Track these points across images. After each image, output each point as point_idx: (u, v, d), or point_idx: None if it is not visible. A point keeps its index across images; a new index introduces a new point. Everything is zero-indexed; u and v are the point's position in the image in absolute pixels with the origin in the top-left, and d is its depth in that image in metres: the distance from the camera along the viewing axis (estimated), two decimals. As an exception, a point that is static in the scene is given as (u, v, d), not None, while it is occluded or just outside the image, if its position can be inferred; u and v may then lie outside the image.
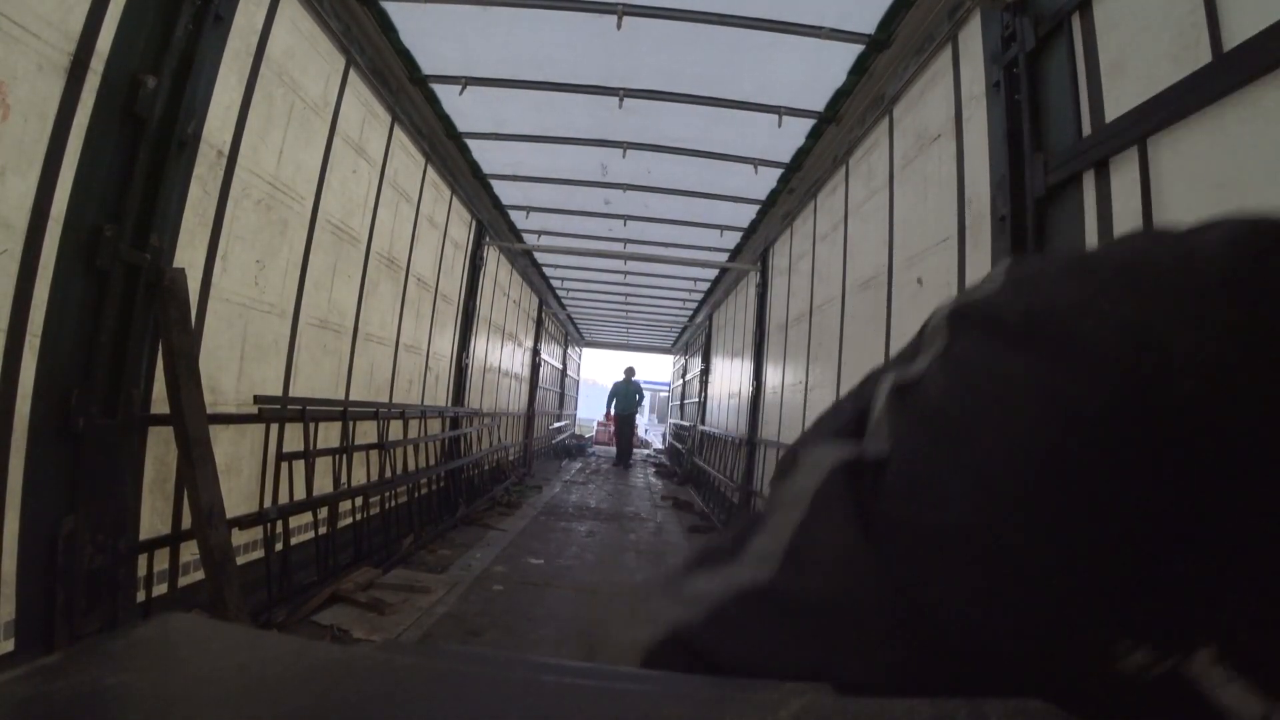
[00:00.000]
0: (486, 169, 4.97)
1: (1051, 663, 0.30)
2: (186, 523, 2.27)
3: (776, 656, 0.32)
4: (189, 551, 2.30)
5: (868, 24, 2.87)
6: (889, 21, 2.82)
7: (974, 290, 0.36)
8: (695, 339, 12.26)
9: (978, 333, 0.36)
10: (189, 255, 2.27)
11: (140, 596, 2.17)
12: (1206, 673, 0.30)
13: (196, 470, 2.19)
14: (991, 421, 0.33)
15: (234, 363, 2.63)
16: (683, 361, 15.00)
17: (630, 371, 12.51)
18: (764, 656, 0.32)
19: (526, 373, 9.85)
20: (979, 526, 0.31)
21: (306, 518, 3.14)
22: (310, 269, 3.09)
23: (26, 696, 0.21)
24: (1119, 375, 0.30)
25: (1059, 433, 0.31)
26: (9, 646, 1.75)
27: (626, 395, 12.22)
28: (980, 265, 2.31)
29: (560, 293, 10.22)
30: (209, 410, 2.29)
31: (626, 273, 8.09)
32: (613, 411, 12.58)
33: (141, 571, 2.17)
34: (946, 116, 2.69)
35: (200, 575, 2.28)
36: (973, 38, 2.46)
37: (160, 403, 2.16)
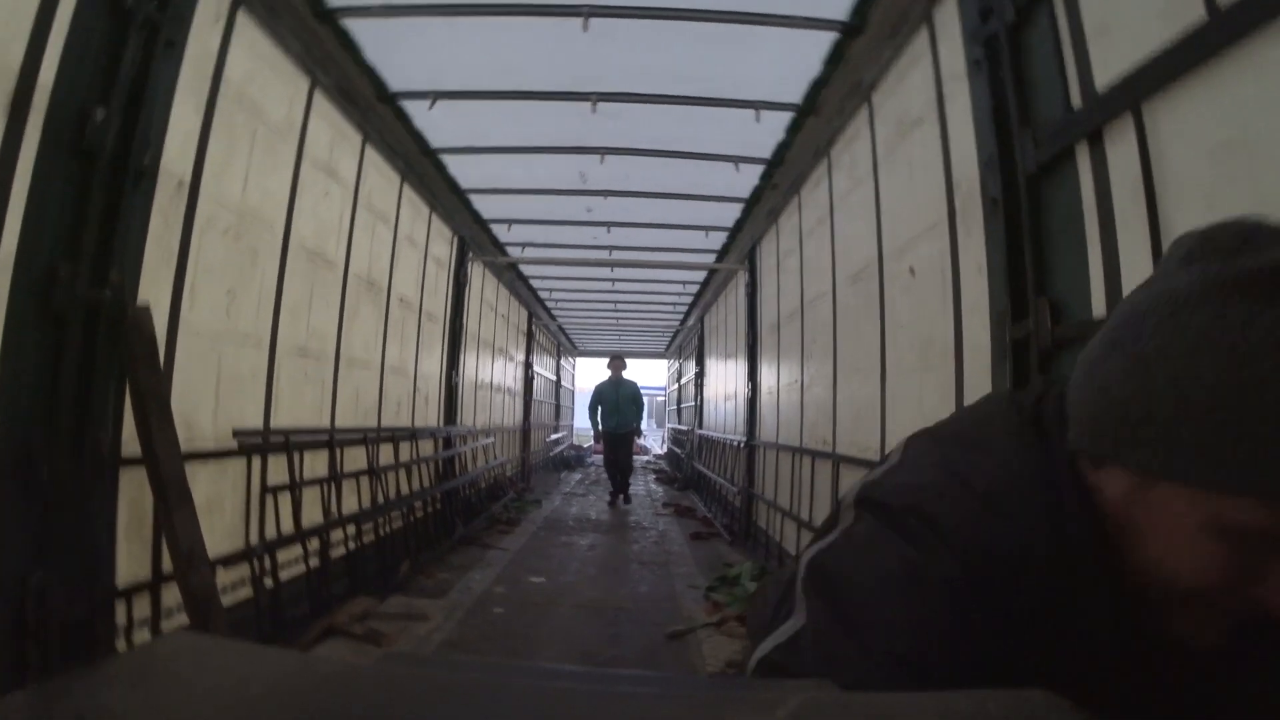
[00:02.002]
0: (464, 184, 4.91)
1: None
2: (167, 565, 2.18)
3: None
4: (171, 595, 2.21)
5: (840, 10, 2.81)
6: (862, 6, 2.76)
7: (875, 473, 0.58)
8: (688, 342, 12.19)
9: (874, 517, 0.53)
10: (154, 290, 2.18)
11: (121, 645, 2.07)
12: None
13: (173, 511, 2.10)
14: (876, 595, 0.49)
15: (209, 398, 2.54)
16: (677, 366, 14.95)
17: (619, 365, 8.41)
18: None
19: (520, 387, 9.77)
20: (867, 685, 0.43)
21: (296, 551, 3.05)
22: (285, 297, 3.01)
23: (30, 716, 0.21)
24: (962, 560, 0.49)
25: (926, 598, 0.48)
26: None
27: (615, 403, 8.22)
28: (974, 249, 2.25)
29: (549, 304, 10.16)
30: (185, 448, 2.21)
31: (614, 280, 8.03)
32: (596, 429, 8.48)
33: (121, 619, 2.08)
34: (927, 99, 2.63)
35: (184, 619, 2.19)
36: (949, 15, 2.40)
37: (132, 443, 2.08)
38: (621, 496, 8.18)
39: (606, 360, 8.69)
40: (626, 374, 8.53)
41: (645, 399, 9.27)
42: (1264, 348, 0.42)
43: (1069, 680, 0.46)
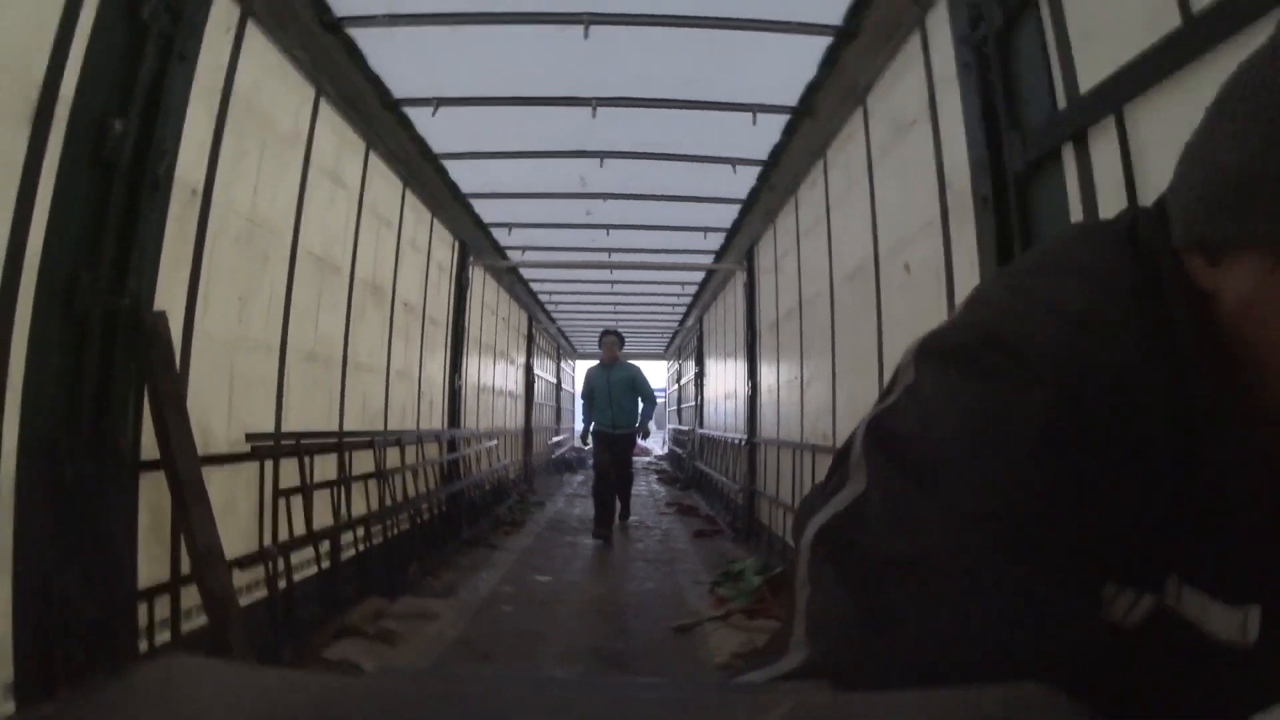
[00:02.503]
0: (465, 189, 4.96)
1: (1046, 647, 0.35)
2: (186, 567, 2.23)
3: None
4: (190, 596, 2.26)
5: (835, 15, 2.87)
6: (856, 11, 2.82)
7: (938, 328, 0.47)
8: (687, 343, 12.25)
9: (939, 365, 0.43)
10: (169, 296, 2.24)
11: (143, 645, 2.12)
12: (1182, 599, 0.40)
13: (191, 513, 2.16)
14: (955, 445, 0.40)
15: (223, 402, 2.60)
16: (676, 366, 15.00)
17: (612, 343, 6.36)
18: None
19: (521, 390, 9.82)
20: (950, 549, 0.37)
21: (309, 553, 3.10)
22: (294, 302, 3.06)
23: None
24: (1055, 393, 0.39)
25: (1014, 444, 0.38)
26: (9, 708, 1.70)
27: (608, 393, 6.17)
28: (966, 246, 2.31)
29: (549, 307, 10.20)
30: (201, 452, 2.26)
31: (613, 282, 8.08)
32: (586, 425, 6.53)
33: (142, 620, 2.13)
34: (920, 101, 2.70)
35: (203, 620, 2.24)
36: (940, 20, 2.46)
37: (151, 448, 2.13)
38: (615, 523, 6.06)
39: (601, 337, 6.42)
40: (621, 354, 6.40)
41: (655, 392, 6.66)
42: None
43: (1188, 549, 0.41)
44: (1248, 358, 0.40)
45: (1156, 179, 1.50)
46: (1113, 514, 0.39)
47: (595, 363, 6.40)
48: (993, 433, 0.39)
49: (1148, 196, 1.52)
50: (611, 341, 6.35)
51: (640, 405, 6.27)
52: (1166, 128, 1.47)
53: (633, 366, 6.36)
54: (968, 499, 0.38)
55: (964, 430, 0.40)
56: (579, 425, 7.23)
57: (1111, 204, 1.63)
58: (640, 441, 6.81)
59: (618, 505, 6.25)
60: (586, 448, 7.49)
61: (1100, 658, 0.38)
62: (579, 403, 6.80)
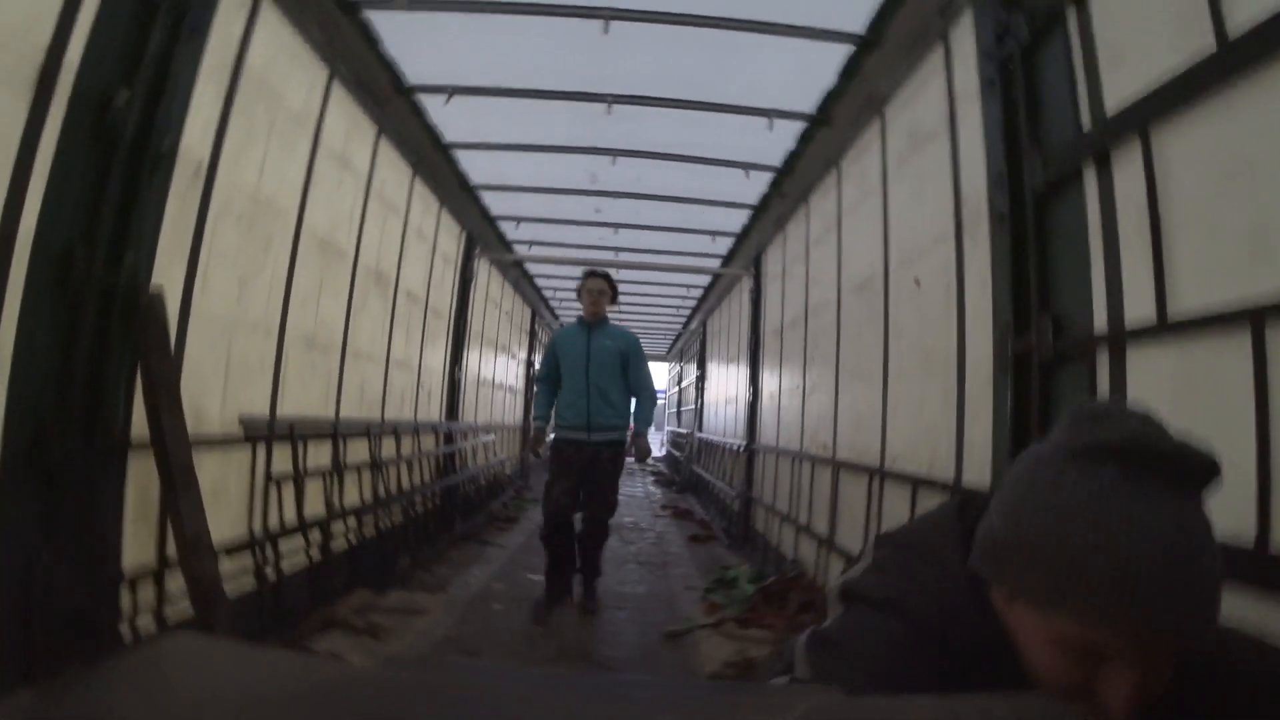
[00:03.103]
0: (475, 180, 4.93)
1: None
2: (172, 552, 2.19)
3: None
4: (175, 582, 2.23)
5: (857, 24, 2.83)
6: (879, 21, 2.78)
7: (853, 571, 0.78)
8: (690, 346, 12.22)
9: (859, 606, 0.72)
10: (168, 274, 2.20)
11: (125, 631, 2.09)
12: None
13: (180, 497, 2.12)
14: (862, 653, 0.66)
15: (218, 384, 2.56)
16: (678, 369, 14.96)
17: (603, 289, 3.87)
18: None
19: (521, 385, 9.79)
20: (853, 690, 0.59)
21: (298, 541, 3.07)
22: (295, 286, 3.03)
23: (29, 719, 0.21)
24: (921, 633, 0.67)
25: (898, 658, 0.65)
26: None
27: (586, 371, 3.77)
28: (979, 263, 2.27)
29: (553, 303, 10.17)
30: (192, 434, 2.22)
31: (619, 280, 8.03)
32: (539, 423, 4.08)
33: (126, 605, 2.10)
34: (940, 115, 2.66)
35: (188, 606, 2.20)
36: (964, 34, 2.42)
37: (141, 428, 2.09)
38: (579, 598, 3.74)
39: (583, 281, 3.95)
40: (607, 304, 3.88)
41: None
42: (1078, 506, 0.58)
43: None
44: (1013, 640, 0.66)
45: (1179, 204, 1.46)
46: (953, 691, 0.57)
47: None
48: (892, 645, 0.67)
49: (1170, 222, 1.48)
50: (598, 288, 3.78)
51: (633, 394, 3.84)
52: (1194, 152, 1.42)
53: (628, 334, 3.90)
54: (870, 675, 0.63)
55: (875, 640, 0.68)
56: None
57: (1133, 227, 1.58)
58: (631, 460, 4.28)
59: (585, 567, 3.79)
60: (537, 460, 4.53)
61: None
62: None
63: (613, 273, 6.66)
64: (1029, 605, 0.62)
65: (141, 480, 2.14)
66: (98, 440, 1.94)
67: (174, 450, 2.11)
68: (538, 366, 4.37)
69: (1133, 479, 0.57)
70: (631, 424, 3.83)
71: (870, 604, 0.71)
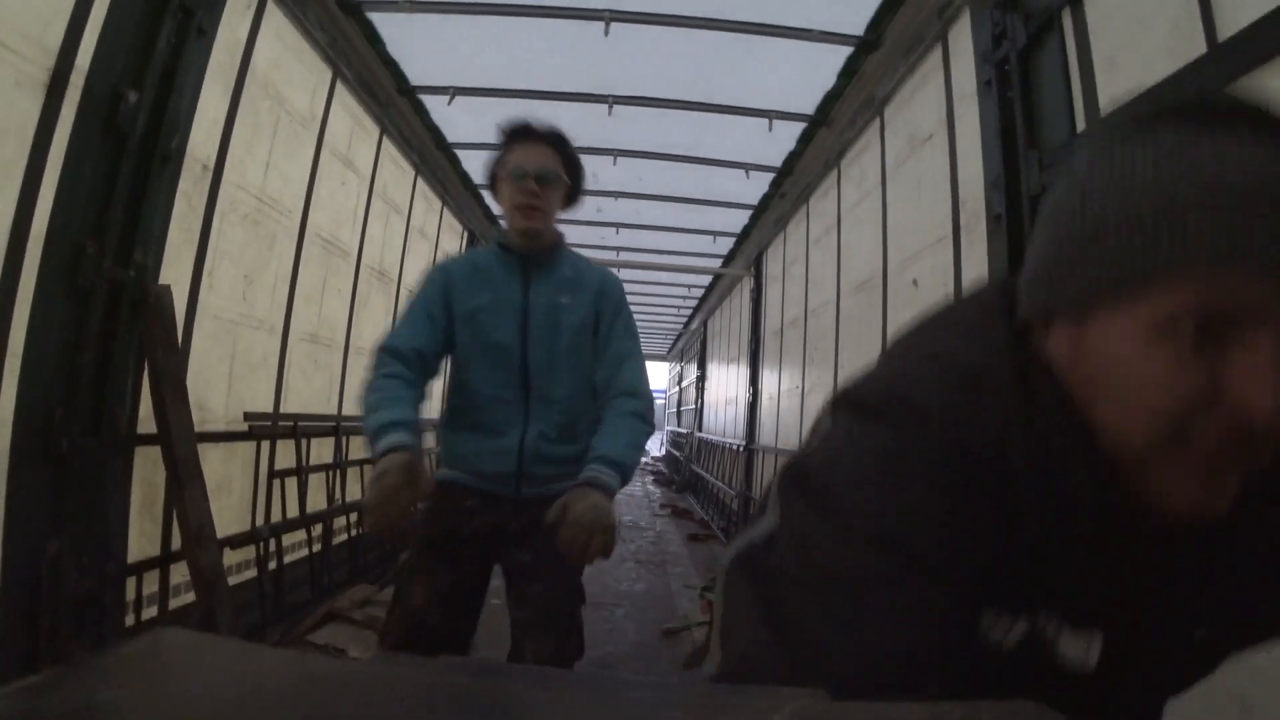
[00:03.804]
0: (478, 179, 4.95)
1: (931, 659, 0.40)
2: (176, 544, 2.22)
3: None
4: (179, 573, 2.26)
5: (856, 25, 2.86)
6: (878, 22, 2.81)
7: (852, 383, 0.54)
8: (690, 346, 12.24)
9: (849, 414, 0.50)
10: (175, 271, 2.23)
11: (129, 620, 2.12)
12: (1046, 625, 0.46)
13: (185, 490, 2.15)
14: (853, 480, 0.45)
15: (223, 380, 2.59)
16: (678, 369, 14.99)
17: (548, 164, 1.56)
18: None
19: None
20: (844, 569, 0.42)
21: (300, 535, 3.09)
22: (300, 283, 3.06)
23: (17, 713, 0.21)
24: (943, 441, 0.45)
25: (905, 480, 0.44)
26: None
27: (523, 348, 1.52)
28: (977, 264, 2.29)
29: (554, 302, 10.18)
30: (198, 429, 2.25)
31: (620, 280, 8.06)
32: (387, 434, 1.32)
33: (130, 595, 2.13)
34: (938, 116, 2.68)
35: (191, 597, 2.23)
36: (962, 36, 2.45)
37: (147, 422, 2.12)
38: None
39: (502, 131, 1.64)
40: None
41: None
42: (1146, 163, 0.41)
43: (1057, 569, 0.46)
44: (1086, 412, 0.45)
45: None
46: (986, 544, 0.44)
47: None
48: (891, 471, 0.45)
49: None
50: (541, 168, 1.57)
51: (611, 405, 1.56)
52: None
53: (605, 278, 1.68)
54: (861, 525, 0.43)
55: (862, 467, 0.46)
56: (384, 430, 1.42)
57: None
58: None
59: None
60: (407, 523, 1.44)
61: (980, 676, 0.43)
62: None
63: (613, 272, 6.52)
64: (1112, 306, 0.43)
65: (146, 471, 2.17)
66: (105, 433, 1.97)
67: (179, 444, 2.14)
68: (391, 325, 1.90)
69: (1207, 126, 0.41)
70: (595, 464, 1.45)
71: (869, 407, 0.49)
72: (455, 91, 3.59)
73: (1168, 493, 0.43)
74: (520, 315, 1.54)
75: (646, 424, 1.52)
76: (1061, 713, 0.41)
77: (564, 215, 1.65)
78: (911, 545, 0.42)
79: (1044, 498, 0.44)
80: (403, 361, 1.48)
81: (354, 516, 3.64)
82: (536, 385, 1.53)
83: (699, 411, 10.41)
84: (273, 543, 2.82)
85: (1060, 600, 0.47)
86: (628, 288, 4.93)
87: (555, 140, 1.63)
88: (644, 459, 13.75)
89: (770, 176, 4.49)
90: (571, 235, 5.71)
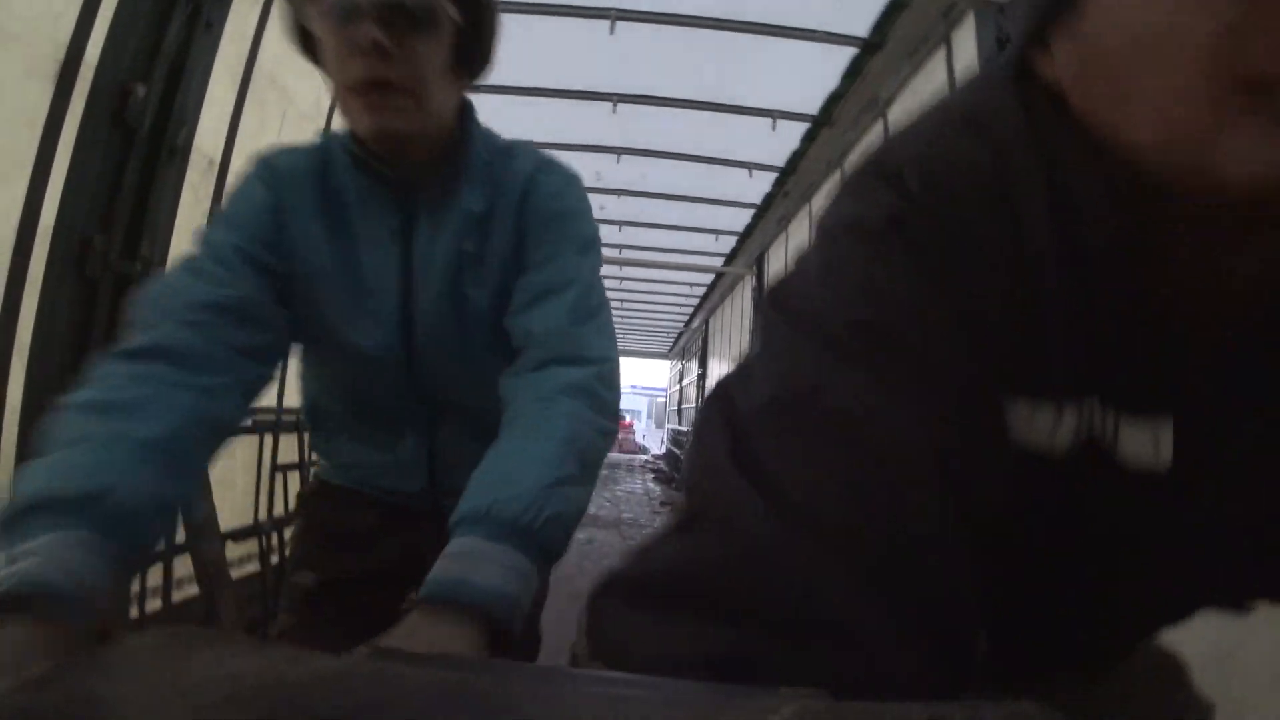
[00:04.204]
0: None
1: (933, 472, 0.32)
2: (180, 536, 2.23)
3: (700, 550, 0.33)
4: (183, 566, 2.27)
5: (861, 27, 2.87)
6: (882, 24, 2.82)
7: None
8: (692, 344, 12.26)
9: (823, 234, 0.40)
10: (181, 264, 2.24)
11: (133, 612, 2.13)
12: (1099, 418, 0.37)
13: (189, 482, 2.16)
14: (817, 269, 0.38)
15: (227, 373, 2.60)
16: (680, 367, 15.01)
17: (412, 16, 0.72)
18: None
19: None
20: (819, 380, 0.34)
21: (302, 529, 3.10)
22: (304, 278, 3.06)
23: (20, 708, 0.21)
24: (903, 190, 0.37)
25: (867, 248, 0.36)
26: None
27: (382, 332, 0.84)
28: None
29: (556, 300, 10.20)
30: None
31: (622, 278, 8.08)
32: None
33: (134, 588, 2.14)
34: (942, 118, 2.69)
35: (195, 590, 2.24)
36: (966, 38, 2.46)
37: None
38: None
39: None
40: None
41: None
42: None
43: (1095, 338, 0.36)
44: (1100, 137, 0.34)
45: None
46: (995, 313, 0.36)
47: None
48: (845, 242, 0.37)
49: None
50: None
51: (530, 382, 0.76)
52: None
53: (537, 168, 0.89)
54: (829, 318, 0.35)
55: (822, 250, 0.38)
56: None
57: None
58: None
59: None
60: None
61: (1026, 494, 0.35)
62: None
63: (616, 270, 6.20)
64: None
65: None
66: (111, 425, 1.98)
67: (184, 437, 2.15)
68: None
69: None
70: (465, 535, 0.64)
71: (843, 194, 0.40)
72: (460, 88, 3.59)
73: (1240, 160, 0.30)
74: (398, 297, 0.83)
75: (601, 417, 0.76)
76: (1143, 530, 0.37)
77: (465, 91, 0.89)
78: (890, 335, 0.34)
79: (1061, 243, 0.36)
80: (165, 358, 0.71)
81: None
82: (437, 396, 0.89)
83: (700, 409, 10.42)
84: (275, 536, 2.83)
85: (1107, 380, 0.37)
86: (629, 285, 6.05)
87: None
88: (644, 457, 13.68)
89: (773, 176, 4.50)
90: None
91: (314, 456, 1.12)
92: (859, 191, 0.39)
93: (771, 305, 0.38)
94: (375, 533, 0.95)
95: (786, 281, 0.39)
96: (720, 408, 0.36)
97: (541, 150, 0.95)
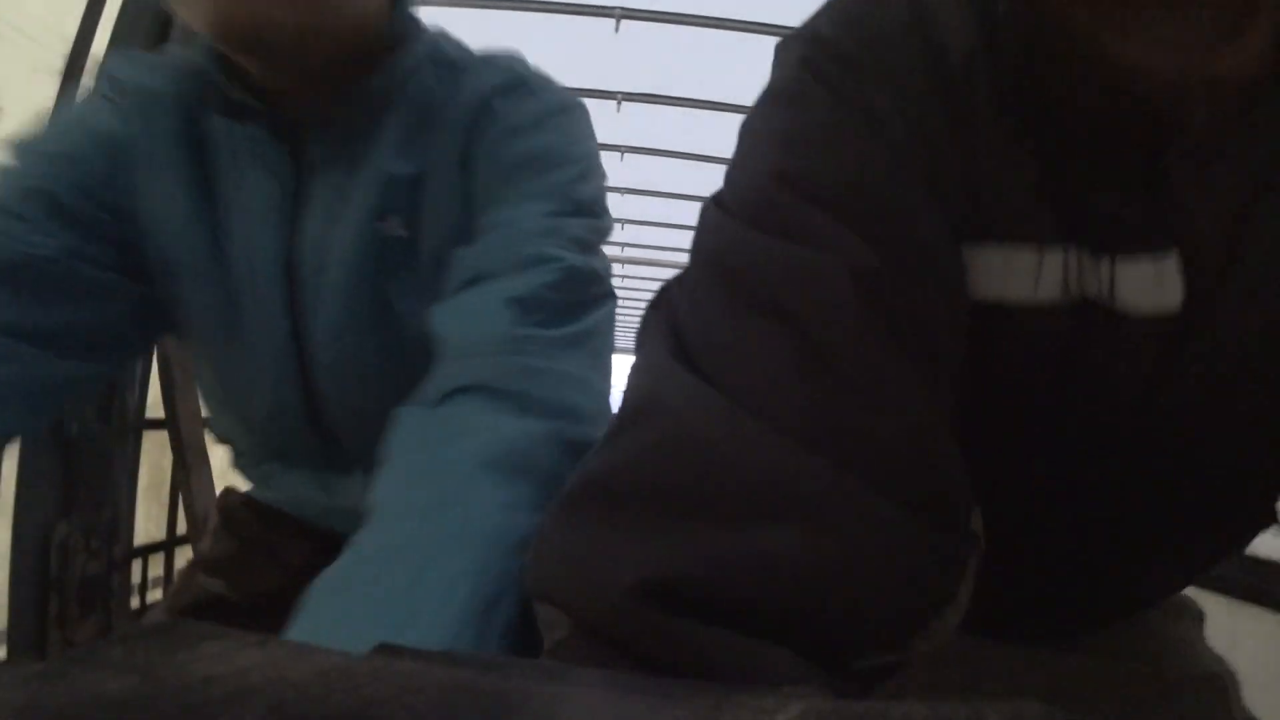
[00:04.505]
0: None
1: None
2: (182, 528, 2.25)
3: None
4: (184, 557, 2.28)
5: (866, 27, 2.87)
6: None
7: None
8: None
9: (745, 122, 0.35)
10: (185, 259, 2.25)
11: (135, 603, 2.14)
12: (1086, 263, 0.31)
13: (191, 475, 2.17)
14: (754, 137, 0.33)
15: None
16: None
17: None
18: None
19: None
20: (735, 245, 0.29)
21: (303, 524, 3.12)
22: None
23: (22, 703, 0.20)
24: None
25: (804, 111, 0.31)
26: (0, 654, 1.73)
27: (266, 325, 0.55)
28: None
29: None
30: (206, 416, 2.27)
31: (624, 277, 8.08)
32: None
33: (136, 578, 2.15)
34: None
35: (196, 582, 2.26)
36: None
37: (156, 408, 2.14)
38: None
39: None
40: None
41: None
42: None
43: (1070, 183, 0.30)
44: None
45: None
46: (932, 143, 0.30)
47: None
48: (760, 112, 0.33)
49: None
50: None
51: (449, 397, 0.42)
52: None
53: (490, 80, 0.56)
54: (747, 186, 0.31)
55: (743, 134, 0.34)
56: None
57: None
58: None
59: None
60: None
61: (1008, 355, 0.31)
62: None
63: (619, 269, 5.90)
64: None
65: (155, 457, 2.20)
66: (115, 419, 1.99)
67: (187, 429, 2.17)
68: None
69: None
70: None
71: (773, 66, 0.35)
72: (465, 85, 3.60)
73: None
74: (282, 305, 0.55)
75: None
76: (1153, 391, 0.32)
77: None
78: (817, 177, 0.29)
79: (994, 39, 0.30)
80: None
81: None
82: (361, 448, 0.58)
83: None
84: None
85: (1089, 209, 0.30)
86: (632, 283, 5.49)
87: None
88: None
89: (777, 176, 4.51)
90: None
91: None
92: (773, 66, 0.34)
93: (709, 204, 0.33)
94: (308, 566, 0.57)
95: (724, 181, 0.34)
96: (662, 312, 0.31)
97: (522, 64, 0.61)
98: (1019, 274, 0.31)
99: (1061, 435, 0.34)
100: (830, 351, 0.26)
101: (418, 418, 0.41)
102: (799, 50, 0.32)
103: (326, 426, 0.58)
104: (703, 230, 0.32)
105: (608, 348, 0.48)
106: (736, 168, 0.32)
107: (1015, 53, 0.29)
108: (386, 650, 0.30)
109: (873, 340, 0.26)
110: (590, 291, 0.48)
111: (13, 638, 1.73)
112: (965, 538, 0.27)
